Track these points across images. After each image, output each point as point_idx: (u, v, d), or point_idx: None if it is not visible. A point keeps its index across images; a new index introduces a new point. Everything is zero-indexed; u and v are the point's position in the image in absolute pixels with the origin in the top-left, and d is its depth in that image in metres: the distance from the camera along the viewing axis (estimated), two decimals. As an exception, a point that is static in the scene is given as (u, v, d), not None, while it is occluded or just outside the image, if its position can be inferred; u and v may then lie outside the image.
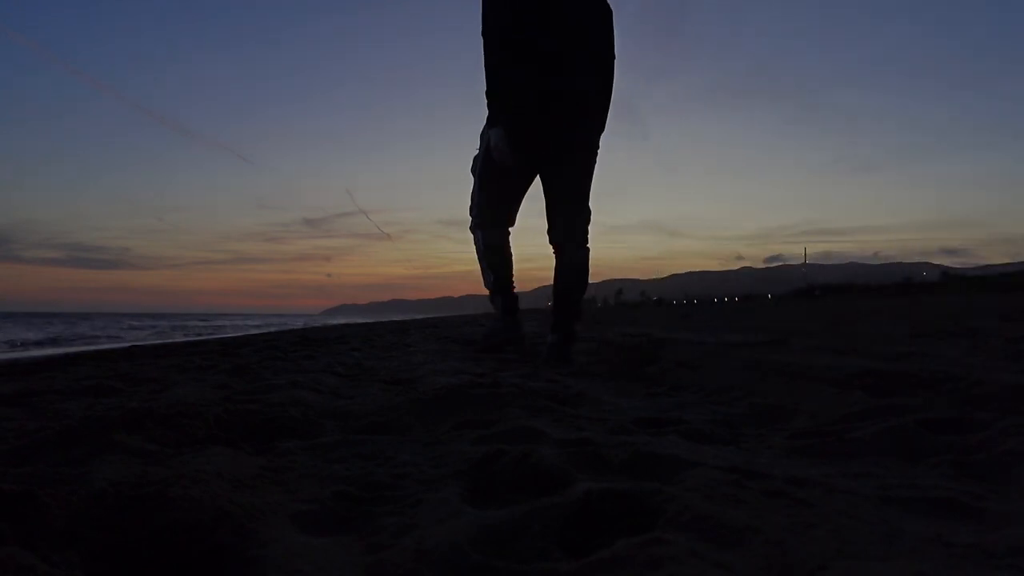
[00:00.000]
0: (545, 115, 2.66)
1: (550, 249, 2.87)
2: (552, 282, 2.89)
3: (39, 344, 8.63)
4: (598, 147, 2.82)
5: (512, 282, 3.04)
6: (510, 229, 3.00)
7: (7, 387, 2.01)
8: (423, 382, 1.97)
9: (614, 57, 2.82)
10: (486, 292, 3.12)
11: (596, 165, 2.84)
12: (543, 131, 2.68)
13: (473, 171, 2.98)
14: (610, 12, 2.82)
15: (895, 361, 2.11)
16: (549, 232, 2.84)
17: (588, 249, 2.86)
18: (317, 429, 1.32)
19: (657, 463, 0.93)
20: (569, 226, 2.80)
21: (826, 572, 0.55)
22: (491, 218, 2.95)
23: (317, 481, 0.92)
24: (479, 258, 3.03)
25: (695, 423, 1.27)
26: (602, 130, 2.82)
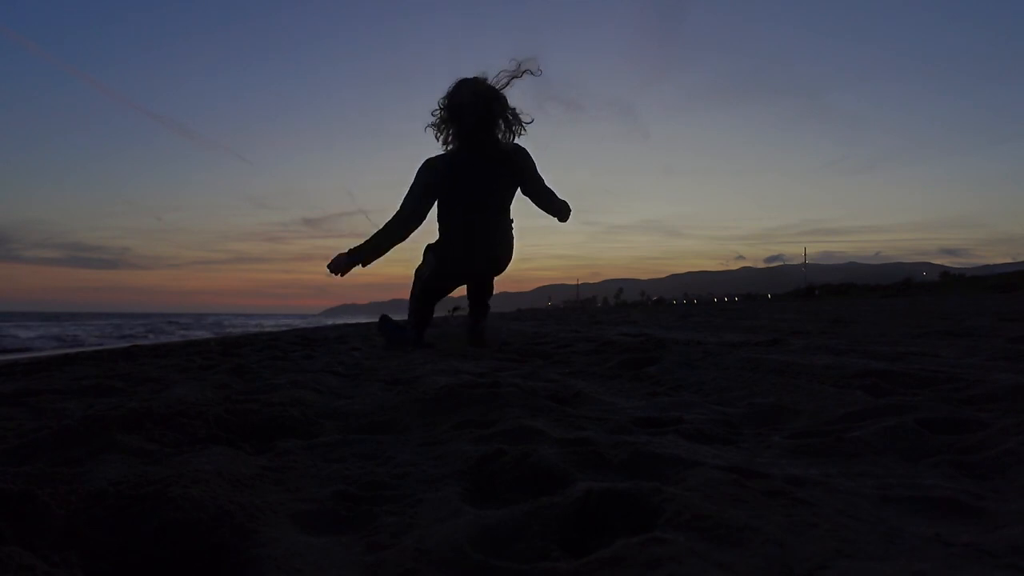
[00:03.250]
0: (469, 243, 3.67)
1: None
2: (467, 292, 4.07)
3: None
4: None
5: (431, 319, 4.07)
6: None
7: (7, 387, 2.01)
8: (423, 382, 1.97)
9: (545, 184, 3.73)
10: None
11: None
12: (467, 255, 3.69)
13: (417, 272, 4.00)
14: (524, 151, 3.65)
15: (895, 361, 2.11)
16: (470, 309, 4.00)
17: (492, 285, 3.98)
18: (317, 429, 1.32)
19: (657, 463, 0.93)
20: (483, 301, 3.97)
21: (826, 572, 0.55)
22: (427, 298, 3.91)
23: (317, 481, 0.92)
24: (415, 299, 3.96)
25: (695, 423, 1.27)
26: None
